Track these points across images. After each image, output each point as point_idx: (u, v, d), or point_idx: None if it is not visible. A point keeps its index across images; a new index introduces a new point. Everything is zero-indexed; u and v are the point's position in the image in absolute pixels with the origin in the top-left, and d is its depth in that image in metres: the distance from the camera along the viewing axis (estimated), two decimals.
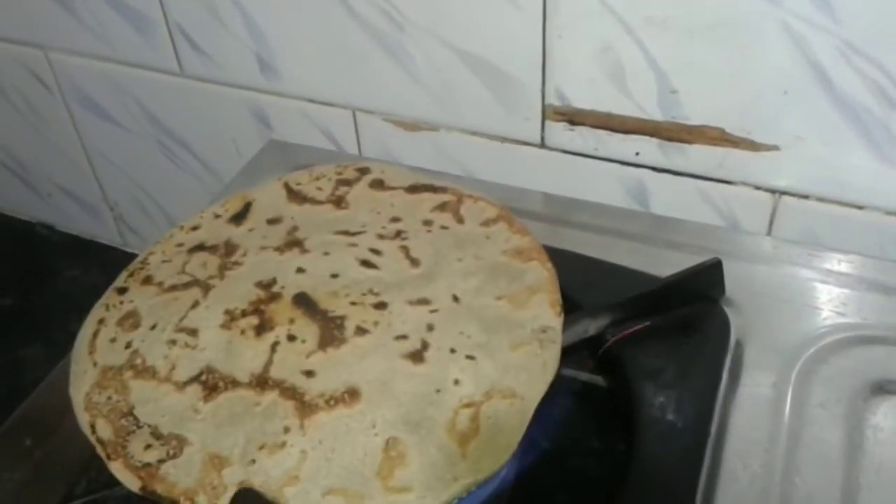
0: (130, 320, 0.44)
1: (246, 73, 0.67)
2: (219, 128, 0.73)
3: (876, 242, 0.53)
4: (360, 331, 0.41)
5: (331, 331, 0.41)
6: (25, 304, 0.81)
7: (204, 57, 0.68)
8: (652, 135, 0.56)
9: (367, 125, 0.66)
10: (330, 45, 0.62)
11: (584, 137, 0.58)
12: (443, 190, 0.50)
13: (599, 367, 0.47)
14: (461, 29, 0.57)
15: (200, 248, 0.48)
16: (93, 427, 0.39)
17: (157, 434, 0.38)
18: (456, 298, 0.43)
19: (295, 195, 0.51)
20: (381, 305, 0.42)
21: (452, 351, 0.40)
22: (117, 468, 0.37)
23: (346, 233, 0.47)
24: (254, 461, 0.37)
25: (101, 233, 0.90)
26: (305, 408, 0.38)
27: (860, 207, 0.53)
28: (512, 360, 0.40)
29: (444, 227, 0.47)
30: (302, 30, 0.63)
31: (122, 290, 0.46)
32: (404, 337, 0.41)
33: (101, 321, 0.44)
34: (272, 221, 0.49)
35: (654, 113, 0.55)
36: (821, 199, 0.53)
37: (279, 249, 0.46)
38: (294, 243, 0.47)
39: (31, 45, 0.76)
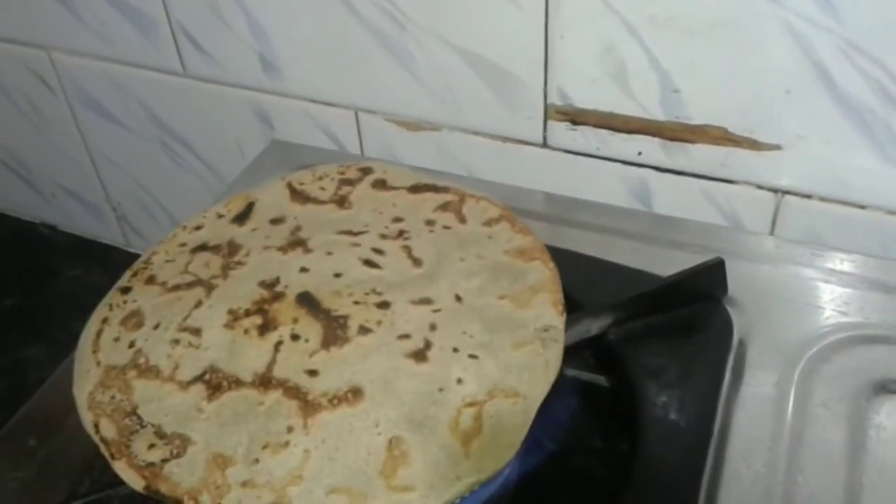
0: (134, 320, 0.44)
1: (248, 73, 0.67)
2: (221, 128, 0.73)
3: (878, 242, 0.53)
4: (364, 330, 0.41)
5: (334, 330, 0.41)
6: (28, 305, 0.81)
7: (206, 57, 0.68)
8: (654, 134, 0.56)
9: (370, 125, 0.66)
10: (332, 45, 0.62)
11: (586, 137, 0.58)
12: (445, 190, 0.50)
13: (602, 366, 0.47)
14: (463, 29, 0.57)
15: (203, 247, 0.48)
16: (96, 426, 0.39)
17: (160, 433, 0.38)
18: (458, 298, 0.43)
19: (298, 195, 0.51)
20: (383, 305, 0.42)
21: (455, 350, 0.40)
22: (121, 467, 0.37)
23: (348, 232, 0.47)
24: (257, 460, 0.37)
25: (103, 233, 0.91)
26: (309, 407, 0.38)
27: (863, 207, 0.53)
28: (514, 360, 0.40)
29: (446, 227, 0.47)
30: (304, 30, 0.63)
31: (125, 290, 0.46)
32: (407, 336, 0.41)
33: (104, 321, 0.44)
34: (275, 221, 0.49)
35: (657, 112, 0.55)
36: (823, 199, 0.53)
37: (282, 249, 0.46)
38: (297, 243, 0.47)
39: (34, 45, 0.76)
